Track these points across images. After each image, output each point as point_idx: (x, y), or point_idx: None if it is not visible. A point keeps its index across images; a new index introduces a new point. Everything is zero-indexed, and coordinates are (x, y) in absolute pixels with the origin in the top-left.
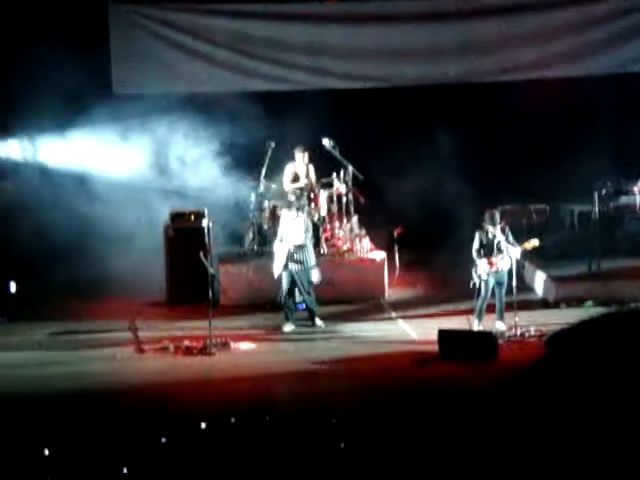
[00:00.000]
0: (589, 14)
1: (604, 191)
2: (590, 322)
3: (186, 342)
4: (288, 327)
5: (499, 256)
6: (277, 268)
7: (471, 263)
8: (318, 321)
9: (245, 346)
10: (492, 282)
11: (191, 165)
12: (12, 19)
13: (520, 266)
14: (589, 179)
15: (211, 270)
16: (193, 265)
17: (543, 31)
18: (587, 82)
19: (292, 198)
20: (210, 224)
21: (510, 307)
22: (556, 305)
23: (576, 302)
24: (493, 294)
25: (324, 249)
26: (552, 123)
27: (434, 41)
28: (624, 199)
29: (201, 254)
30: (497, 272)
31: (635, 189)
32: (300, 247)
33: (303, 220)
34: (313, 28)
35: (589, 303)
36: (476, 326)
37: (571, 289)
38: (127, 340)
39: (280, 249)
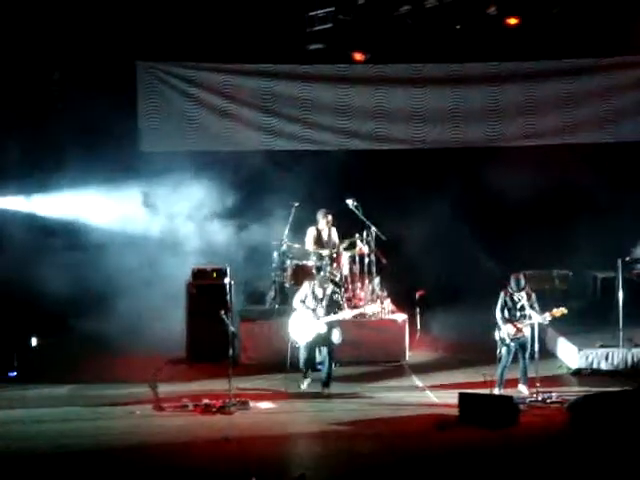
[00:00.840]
0: (615, 81)
1: (628, 258)
2: (613, 392)
3: (205, 400)
4: (305, 384)
5: (524, 321)
6: (295, 333)
7: (493, 326)
8: (326, 389)
9: (264, 405)
10: (514, 347)
11: (215, 222)
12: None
13: (542, 332)
14: (613, 245)
15: (232, 328)
16: (214, 323)
17: (568, 97)
18: (614, 147)
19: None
20: (232, 282)
21: (532, 372)
22: (578, 372)
23: (598, 371)
24: (514, 359)
25: (345, 309)
26: (576, 187)
27: (459, 105)
28: None
29: (222, 312)
30: (521, 337)
31: None
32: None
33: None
34: (339, 89)
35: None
36: (497, 391)
37: (593, 357)
38: (147, 397)
39: (301, 314)
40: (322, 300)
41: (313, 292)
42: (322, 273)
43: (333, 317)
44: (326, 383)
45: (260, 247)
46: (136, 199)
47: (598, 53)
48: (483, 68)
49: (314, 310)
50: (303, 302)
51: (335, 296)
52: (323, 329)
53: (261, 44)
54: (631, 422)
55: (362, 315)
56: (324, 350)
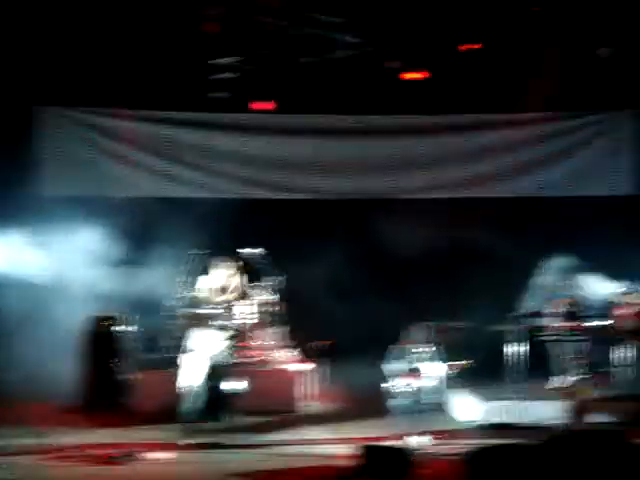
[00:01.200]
0: (514, 137)
1: (522, 311)
2: (510, 445)
3: (96, 451)
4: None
5: (421, 373)
6: (185, 380)
7: (393, 377)
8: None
9: (158, 456)
10: (412, 398)
11: (111, 268)
12: None
13: (440, 383)
14: (507, 299)
15: (126, 376)
16: (108, 370)
17: (468, 152)
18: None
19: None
20: (129, 329)
21: (430, 424)
22: (476, 425)
23: (496, 423)
24: (413, 410)
25: (245, 358)
26: (471, 241)
27: (364, 156)
28: (542, 320)
29: (116, 360)
30: (418, 389)
31: (550, 310)
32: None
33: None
34: (241, 138)
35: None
36: (397, 443)
37: (491, 409)
38: (33, 447)
39: (192, 361)
40: (210, 345)
41: (206, 339)
42: (220, 321)
43: (224, 361)
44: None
45: (157, 294)
46: (28, 244)
47: (498, 109)
48: (386, 121)
49: (207, 355)
50: (191, 350)
51: (229, 344)
52: (216, 375)
53: (163, 91)
54: (528, 475)
55: (261, 362)
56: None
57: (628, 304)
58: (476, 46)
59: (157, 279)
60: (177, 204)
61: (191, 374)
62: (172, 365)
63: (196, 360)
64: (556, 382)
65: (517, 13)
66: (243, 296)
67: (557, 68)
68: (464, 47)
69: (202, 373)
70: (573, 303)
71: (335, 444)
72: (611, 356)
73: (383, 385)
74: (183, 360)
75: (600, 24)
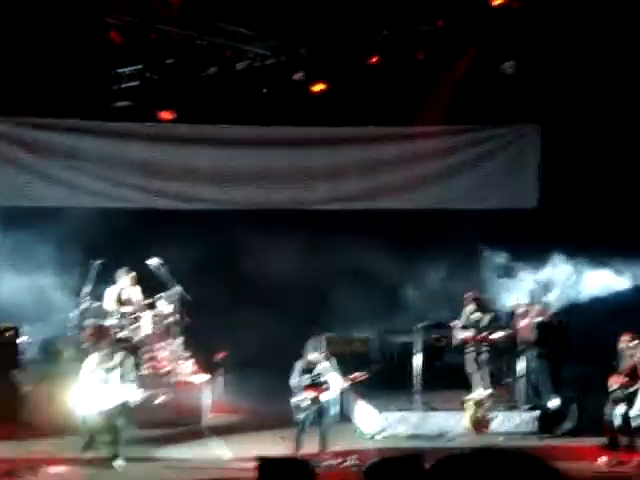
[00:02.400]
0: (416, 150)
1: (425, 323)
2: (409, 455)
3: None
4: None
5: (322, 386)
6: (87, 408)
7: (292, 391)
8: (120, 462)
9: (55, 470)
10: (313, 411)
11: (11, 278)
12: None
13: (341, 395)
14: (412, 310)
15: (24, 388)
16: (5, 382)
17: (371, 164)
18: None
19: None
20: (26, 340)
21: (331, 436)
22: (375, 436)
23: (396, 433)
24: (314, 423)
25: (145, 370)
26: (379, 253)
27: (265, 166)
28: (443, 332)
29: (14, 371)
30: (319, 402)
31: (452, 324)
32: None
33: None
34: (146, 147)
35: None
36: (297, 454)
37: (391, 420)
38: None
39: (92, 387)
40: (113, 369)
41: (101, 362)
42: (124, 332)
43: (127, 382)
44: (116, 455)
45: (59, 305)
46: None
47: (401, 121)
48: (290, 132)
49: (104, 380)
50: (92, 373)
51: (128, 363)
52: (116, 402)
53: (67, 99)
54: None
55: (164, 375)
56: (117, 419)
57: (528, 315)
58: (378, 59)
59: (60, 289)
60: (83, 214)
61: (89, 394)
62: (73, 377)
63: (93, 382)
64: (458, 394)
65: (422, 26)
66: (145, 307)
67: (462, 82)
68: (369, 60)
69: (100, 393)
70: (478, 315)
71: (236, 458)
72: (513, 367)
73: (289, 399)
74: (82, 378)
75: (505, 39)
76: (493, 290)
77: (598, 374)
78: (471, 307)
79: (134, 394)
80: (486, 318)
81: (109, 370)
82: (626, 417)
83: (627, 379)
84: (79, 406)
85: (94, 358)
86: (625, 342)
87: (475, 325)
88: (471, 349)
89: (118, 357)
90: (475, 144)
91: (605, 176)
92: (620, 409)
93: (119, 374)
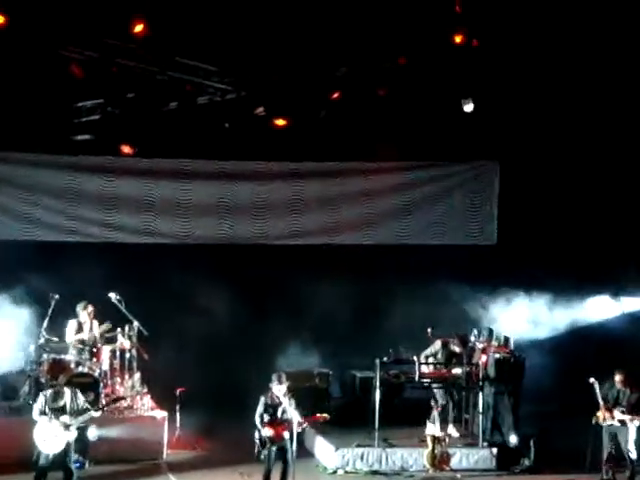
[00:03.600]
0: (375, 185)
1: (385, 358)
2: None
3: None
4: None
5: (284, 423)
6: (42, 446)
7: (255, 426)
8: None
9: None
10: (275, 448)
11: None
12: None
13: (301, 430)
14: (372, 346)
15: None
16: None
17: (331, 199)
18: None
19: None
20: None
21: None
22: (335, 471)
23: (356, 469)
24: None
25: (103, 405)
26: (335, 288)
27: (226, 201)
28: (404, 368)
29: None
30: (282, 439)
31: (414, 358)
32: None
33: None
34: (105, 181)
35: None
36: None
37: (349, 456)
38: None
39: (45, 426)
40: (64, 408)
41: (50, 401)
42: (83, 367)
43: (81, 419)
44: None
45: (16, 340)
46: None
47: (362, 157)
48: (250, 166)
49: (56, 418)
50: (44, 413)
51: (79, 399)
52: (71, 437)
53: (27, 133)
54: None
55: (116, 409)
56: (68, 457)
57: (483, 351)
58: (339, 95)
59: (18, 323)
60: (40, 248)
61: (44, 436)
62: (29, 413)
63: (44, 419)
64: (418, 430)
65: (384, 63)
66: (103, 341)
67: (421, 119)
68: (331, 96)
69: (54, 435)
70: (458, 352)
71: None
72: (472, 402)
73: (248, 434)
74: (36, 420)
75: (465, 78)
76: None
77: (556, 411)
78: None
79: (90, 431)
80: (447, 353)
81: (59, 407)
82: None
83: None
84: (32, 443)
85: (42, 398)
86: (620, 383)
87: (448, 361)
88: (432, 384)
89: (68, 393)
90: (435, 180)
91: (562, 211)
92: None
93: (70, 409)
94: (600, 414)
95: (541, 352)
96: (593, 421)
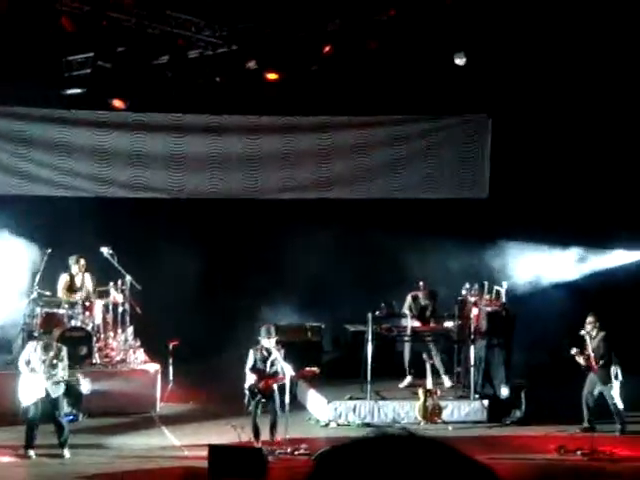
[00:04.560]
0: (367, 139)
1: (377, 312)
2: (359, 442)
3: None
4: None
5: (274, 375)
6: (25, 398)
7: (245, 379)
8: (66, 452)
9: (3, 460)
10: (264, 400)
11: None
12: None
13: (293, 383)
14: (365, 299)
15: None
16: None
17: (323, 153)
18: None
19: (43, 339)
20: None
21: (282, 424)
22: (327, 424)
23: (348, 422)
24: (265, 410)
25: (96, 359)
26: (331, 240)
27: (217, 155)
28: (396, 321)
29: None
30: (271, 391)
31: (407, 312)
32: (57, 383)
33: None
34: (97, 135)
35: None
36: (256, 444)
37: (342, 409)
38: None
39: (30, 379)
40: (45, 361)
41: (37, 352)
42: (75, 321)
43: (59, 378)
44: (62, 444)
45: (9, 294)
46: None
47: (354, 111)
48: (242, 120)
49: (40, 371)
50: (28, 363)
51: (59, 357)
52: (56, 392)
53: (17, 86)
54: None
55: (115, 363)
56: (56, 409)
57: (474, 304)
58: (331, 49)
59: (11, 278)
60: (33, 202)
61: (27, 386)
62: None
63: (28, 373)
64: (406, 382)
65: (375, 16)
66: (96, 295)
67: (413, 72)
68: (322, 49)
69: (35, 386)
70: (427, 304)
71: (188, 446)
72: (463, 356)
73: (240, 386)
74: (21, 371)
75: (456, 31)
76: (443, 279)
77: (546, 362)
78: (419, 295)
79: (83, 384)
80: (429, 307)
81: (45, 360)
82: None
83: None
84: (20, 396)
85: (29, 349)
86: (590, 324)
87: (428, 313)
88: (424, 337)
89: (54, 348)
90: (426, 134)
91: (554, 166)
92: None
93: (56, 365)
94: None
95: (532, 304)
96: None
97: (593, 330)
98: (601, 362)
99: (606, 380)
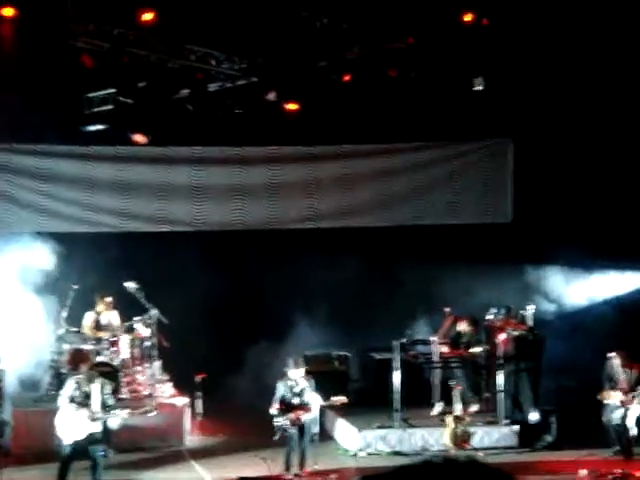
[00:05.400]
0: (391, 166)
1: (403, 340)
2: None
3: None
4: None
5: (303, 406)
6: (65, 434)
7: (276, 412)
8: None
9: None
10: (295, 431)
11: None
12: None
13: (321, 413)
14: (390, 327)
15: (2, 416)
16: None
17: (346, 181)
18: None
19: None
20: (4, 367)
21: (312, 455)
22: (356, 454)
23: (377, 451)
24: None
25: (124, 394)
26: (350, 270)
27: (240, 186)
28: (422, 348)
29: None
30: (300, 422)
31: (432, 338)
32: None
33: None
34: (119, 171)
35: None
36: (289, 476)
37: (371, 438)
38: None
39: (73, 415)
40: (92, 395)
41: (80, 387)
42: (102, 356)
43: (107, 416)
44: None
45: (37, 331)
46: None
47: (375, 139)
48: (263, 151)
49: (84, 407)
50: (72, 399)
51: (107, 390)
52: (96, 428)
53: (39, 124)
54: None
55: (137, 397)
56: (95, 446)
57: (501, 329)
58: (351, 78)
59: (37, 314)
60: (57, 238)
61: (67, 424)
62: (52, 403)
63: (71, 409)
64: (438, 409)
65: (393, 44)
66: (122, 331)
67: (433, 98)
68: (342, 78)
69: (79, 423)
70: (456, 331)
71: (217, 478)
72: (492, 381)
73: (270, 419)
74: (61, 407)
75: (475, 56)
76: (469, 304)
77: (576, 386)
78: (462, 325)
79: (114, 419)
80: (467, 334)
81: (87, 396)
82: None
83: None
84: (58, 433)
85: (71, 384)
86: (617, 361)
87: (456, 340)
88: (452, 364)
89: (98, 382)
90: (449, 160)
91: (578, 187)
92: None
93: (99, 400)
94: (605, 393)
95: (560, 327)
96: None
97: (624, 366)
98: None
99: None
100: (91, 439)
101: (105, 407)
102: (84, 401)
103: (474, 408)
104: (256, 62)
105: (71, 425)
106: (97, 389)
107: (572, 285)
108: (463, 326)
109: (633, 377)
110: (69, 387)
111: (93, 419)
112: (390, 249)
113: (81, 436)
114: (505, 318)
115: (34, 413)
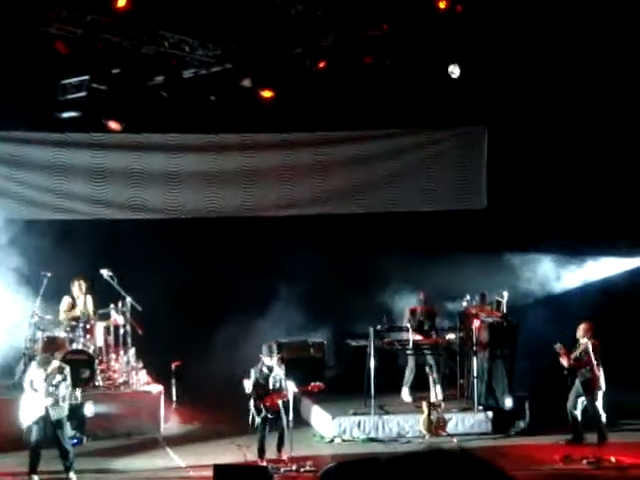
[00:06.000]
0: (365, 153)
1: (379, 326)
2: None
3: None
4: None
5: (278, 392)
6: (26, 418)
7: (248, 398)
8: (72, 476)
9: None
10: (271, 417)
11: None
12: None
13: (296, 400)
14: (366, 314)
15: None
16: None
17: (320, 168)
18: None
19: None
20: None
21: (287, 441)
22: (332, 440)
23: (353, 438)
24: (271, 428)
25: (99, 381)
26: (333, 256)
27: (214, 173)
28: (397, 335)
29: None
30: (276, 408)
31: (407, 325)
32: (58, 402)
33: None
34: (94, 157)
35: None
36: (260, 462)
37: (346, 425)
38: None
39: (32, 399)
40: (46, 380)
41: (40, 372)
42: (77, 344)
43: (62, 397)
44: (67, 468)
45: (11, 319)
46: None
47: (349, 125)
48: (238, 138)
49: (42, 390)
50: (31, 383)
51: (62, 376)
52: (53, 412)
53: (13, 111)
54: None
55: (118, 386)
56: (59, 432)
57: (476, 316)
58: (326, 64)
59: (11, 302)
60: (32, 225)
61: (28, 407)
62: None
63: (31, 393)
64: (411, 395)
65: (368, 31)
66: (96, 318)
67: (408, 86)
68: (317, 65)
69: (36, 406)
70: (429, 317)
71: (194, 466)
72: (466, 368)
73: (244, 406)
74: (25, 391)
75: (450, 44)
76: (444, 291)
77: (549, 372)
78: (417, 310)
79: (87, 407)
80: (426, 323)
81: (47, 379)
82: (584, 411)
83: (573, 360)
84: (23, 419)
85: (33, 371)
86: (582, 331)
87: (430, 326)
88: (425, 350)
89: (49, 368)
90: (423, 147)
91: (551, 174)
92: (581, 404)
93: (42, 385)
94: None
95: (535, 312)
96: None
97: (584, 337)
98: (583, 370)
99: (589, 389)
100: (56, 424)
101: (49, 393)
102: (42, 384)
103: (439, 396)
104: (230, 49)
105: (30, 408)
106: (56, 373)
107: (545, 270)
108: (420, 314)
109: (582, 349)
110: (30, 371)
111: (50, 404)
112: (367, 236)
113: (41, 419)
114: (479, 305)
115: (7, 400)
